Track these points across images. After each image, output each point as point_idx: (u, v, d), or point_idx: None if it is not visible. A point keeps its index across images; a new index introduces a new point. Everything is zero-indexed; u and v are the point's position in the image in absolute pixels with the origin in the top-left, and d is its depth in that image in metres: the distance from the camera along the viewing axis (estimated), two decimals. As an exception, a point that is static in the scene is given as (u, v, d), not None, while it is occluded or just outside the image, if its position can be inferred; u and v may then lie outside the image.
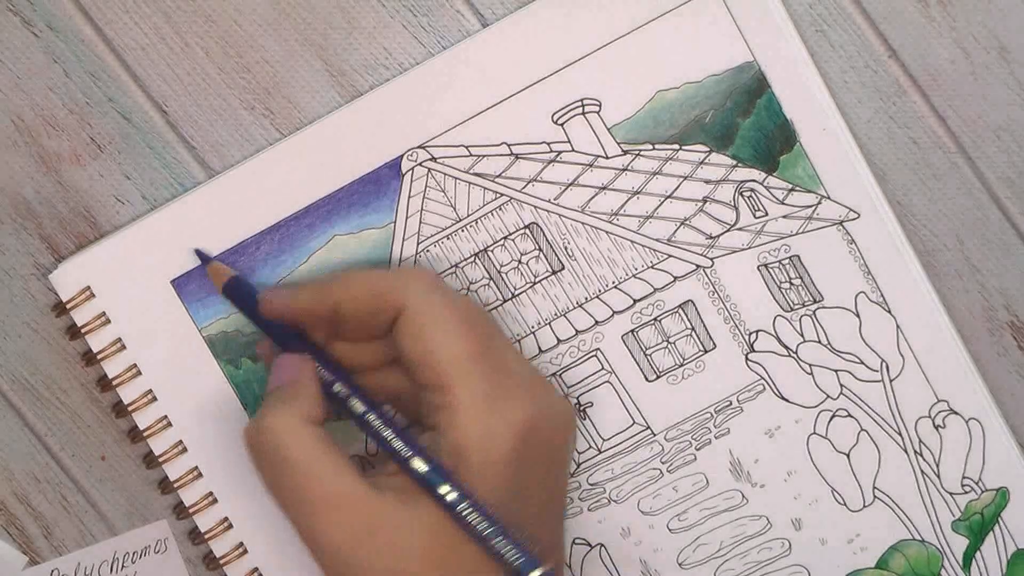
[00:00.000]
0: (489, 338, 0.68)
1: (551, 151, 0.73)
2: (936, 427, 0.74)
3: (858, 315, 0.74)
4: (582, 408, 0.74)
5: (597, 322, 0.74)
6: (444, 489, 0.65)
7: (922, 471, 0.74)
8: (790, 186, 0.73)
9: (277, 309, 0.69)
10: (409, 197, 0.73)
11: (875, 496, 0.74)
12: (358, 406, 0.68)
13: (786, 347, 0.74)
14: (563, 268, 0.73)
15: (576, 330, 0.74)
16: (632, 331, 0.74)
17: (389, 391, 0.70)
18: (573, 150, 0.73)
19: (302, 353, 0.69)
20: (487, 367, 0.66)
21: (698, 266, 0.73)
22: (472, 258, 0.73)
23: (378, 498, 0.65)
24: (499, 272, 0.73)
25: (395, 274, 0.69)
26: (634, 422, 0.74)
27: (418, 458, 0.66)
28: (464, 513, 0.65)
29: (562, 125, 0.72)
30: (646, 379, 0.74)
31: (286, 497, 0.66)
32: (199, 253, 0.72)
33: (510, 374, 0.67)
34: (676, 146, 0.73)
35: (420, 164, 0.72)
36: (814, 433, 0.74)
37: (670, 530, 0.75)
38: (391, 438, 0.67)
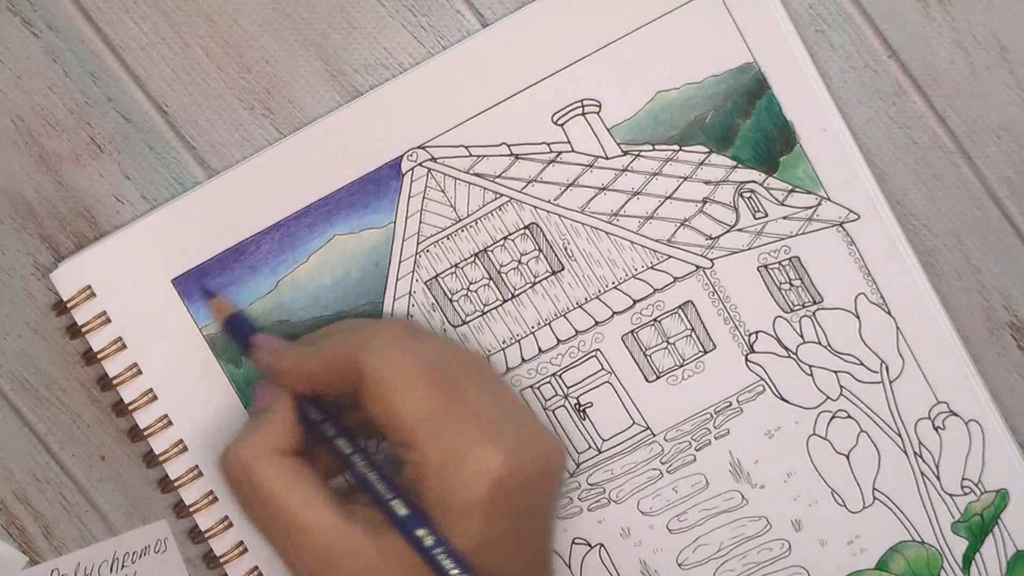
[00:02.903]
0: (454, 389, 0.67)
1: (551, 151, 0.73)
2: (936, 428, 0.74)
3: (858, 316, 0.73)
4: (582, 409, 0.74)
5: (597, 322, 0.74)
6: (420, 532, 0.66)
7: (922, 472, 0.74)
8: (790, 187, 0.73)
9: (262, 363, 0.70)
10: (409, 197, 0.73)
11: (875, 497, 0.74)
12: (342, 446, 0.69)
13: (786, 348, 0.74)
14: (563, 268, 0.73)
15: (576, 330, 0.74)
16: (632, 332, 0.74)
17: (372, 427, 0.69)
18: (573, 151, 0.73)
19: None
20: (451, 420, 0.66)
21: (698, 267, 0.73)
22: (472, 258, 0.73)
23: (347, 528, 0.66)
24: (499, 272, 0.73)
25: (354, 339, 0.68)
26: (634, 422, 0.74)
27: (397, 501, 0.67)
28: (436, 559, 0.65)
29: (562, 125, 0.72)
30: (646, 380, 0.74)
31: (259, 524, 0.68)
32: (203, 288, 0.72)
33: (479, 424, 0.66)
34: (676, 147, 0.73)
35: (420, 164, 0.72)
36: (814, 434, 0.74)
37: (670, 530, 0.75)
38: (373, 481, 0.68)
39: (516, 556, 0.67)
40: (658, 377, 0.74)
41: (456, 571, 0.65)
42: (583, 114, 0.72)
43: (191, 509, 0.74)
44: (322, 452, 0.69)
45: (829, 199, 0.73)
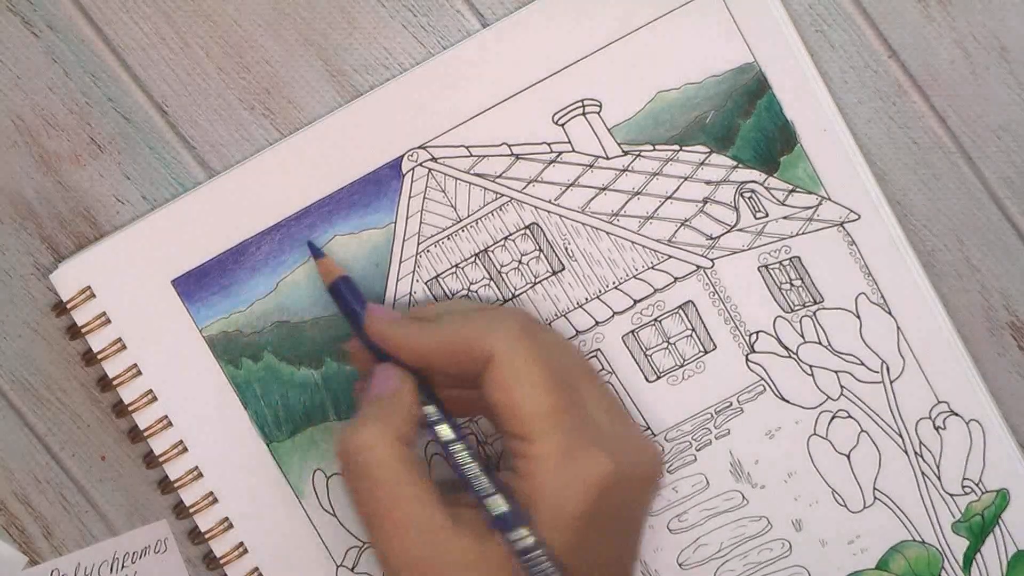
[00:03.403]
0: (575, 390, 0.67)
1: (551, 152, 0.73)
2: (936, 428, 0.74)
3: (858, 316, 0.73)
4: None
5: (597, 322, 0.74)
6: (519, 533, 0.65)
7: (922, 472, 0.74)
8: (790, 187, 0.73)
9: (377, 333, 0.69)
10: (410, 197, 0.73)
11: (875, 497, 0.74)
12: (445, 433, 0.68)
13: (786, 348, 0.74)
14: (563, 268, 0.73)
15: (576, 330, 0.74)
16: (632, 332, 0.74)
17: (477, 408, 0.69)
18: (573, 151, 0.73)
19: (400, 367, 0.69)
20: (569, 421, 0.66)
21: (698, 267, 0.73)
22: (472, 258, 0.73)
23: (452, 531, 0.66)
24: (499, 272, 0.73)
25: (485, 320, 0.68)
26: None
27: (496, 497, 0.66)
28: (531, 561, 0.65)
29: (562, 125, 0.72)
30: (646, 380, 0.74)
31: (365, 511, 0.67)
32: (311, 246, 0.72)
33: (593, 429, 0.67)
34: (676, 147, 0.73)
35: (420, 164, 0.72)
36: (814, 434, 0.74)
37: (670, 530, 0.75)
38: (473, 474, 0.67)
39: (608, 560, 0.67)
40: (658, 377, 0.74)
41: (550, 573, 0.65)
42: (583, 114, 0.72)
43: (191, 510, 0.74)
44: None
45: (829, 199, 0.73)
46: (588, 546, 0.66)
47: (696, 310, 0.74)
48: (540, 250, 0.73)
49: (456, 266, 0.73)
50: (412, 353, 0.68)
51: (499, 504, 0.66)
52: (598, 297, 0.73)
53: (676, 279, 0.73)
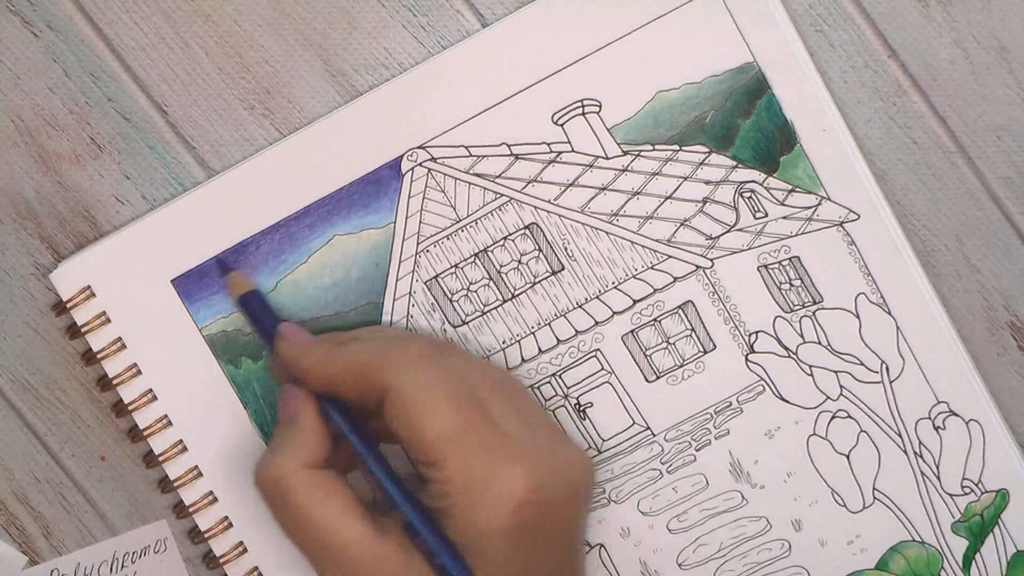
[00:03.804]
0: (482, 408, 0.67)
1: (551, 151, 0.73)
2: (936, 428, 0.74)
3: (858, 316, 0.73)
4: (582, 409, 0.74)
5: (597, 323, 0.74)
6: (434, 547, 0.66)
7: (922, 472, 0.74)
8: (790, 187, 0.73)
9: (285, 356, 0.70)
10: (409, 197, 0.73)
11: (875, 497, 0.74)
12: (359, 455, 0.69)
13: (786, 348, 0.74)
14: (563, 268, 0.73)
15: (576, 330, 0.74)
16: (632, 332, 0.74)
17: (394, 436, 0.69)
18: (573, 150, 0.73)
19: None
20: (478, 440, 0.66)
21: (698, 267, 0.73)
22: (472, 258, 0.73)
23: (377, 542, 0.66)
24: (499, 272, 0.73)
25: (382, 352, 0.68)
26: (634, 423, 0.74)
27: (407, 504, 0.67)
28: (443, 568, 0.66)
29: (562, 125, 0.72)
30: (646, 380, 0.74)
31: (293, 537, 0.68)
32: (219, 262, 0.72)
33: (506, 444, 0.66)
34: (676, 147, 0.73)
35: (420, 164, 0.72)
36: (814, 434, 0.74)
37: (670, 531, 0.75)
38: (384, 483, 0.68)
39: (542, 575, 0.67)
40: (658, 377, 0.74)
41: None
42: (583, 114, 0.72)
43: (191, 509, 0.74)
44: (341, 448, 0.69)
45: (829, 199, 0.73)
46: (520, 562, 0.66)
47: (696, 310, 0.74)
48: (540, 250, 0.73)
49: (456, 266, 0.73)
50: (316, 380, 0.69)
51: (409, 512, 0.67)
52: (598, 297, 0.73)
53: (676, 279, 0.73)
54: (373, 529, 0.66)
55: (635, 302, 0.73)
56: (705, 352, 0.74)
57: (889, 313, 0.73)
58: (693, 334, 0.74)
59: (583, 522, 0.70)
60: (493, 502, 0.65)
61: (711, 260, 0.73)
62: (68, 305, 0.73)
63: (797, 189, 0.73)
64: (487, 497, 0.65)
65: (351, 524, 0.66)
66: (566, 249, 0.73)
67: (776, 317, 0.74)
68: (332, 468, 0.68)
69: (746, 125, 0.73)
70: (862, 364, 0.74)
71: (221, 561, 0.74)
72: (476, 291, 0.73)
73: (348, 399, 0.68)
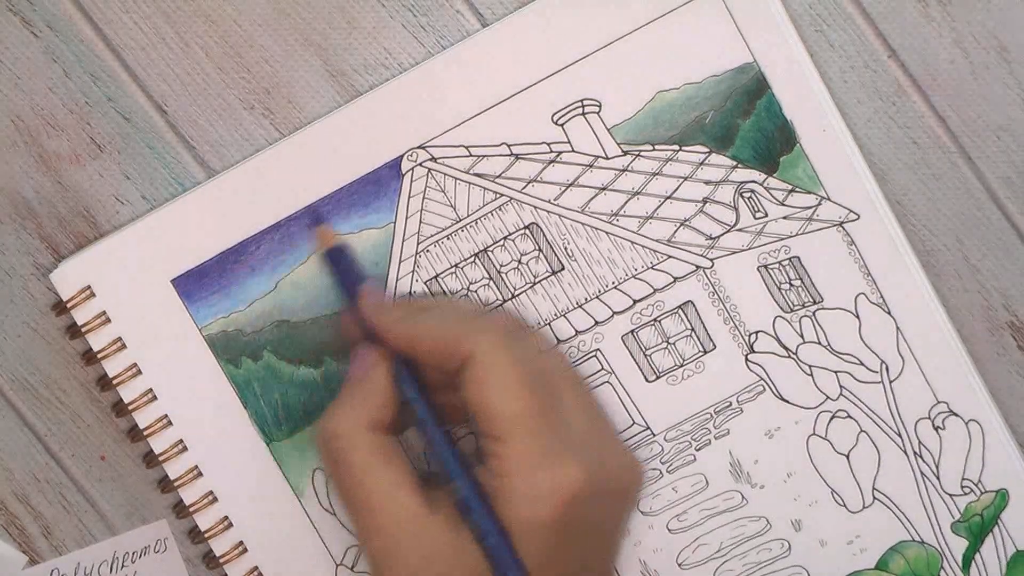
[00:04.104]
0: (553, 397, 0.67)
1: (551, 151, 0.73)
2: (936, 428, 0.74)
3: (858, 316, 0.73)
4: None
5: (597, 322, 0.74)
6: (484, 526, 0.66)
7: (922, 472, 0.74)
8: (790, 187, 0.73)
9: (367, 313, 0.69)
10: (409, 197, 0.73)
11: (875, 497, 0.74)
12: (425, 424, 0.69)
13: (786, 348, 0.74)
14: (563, 268, 0.73)
15: (576, 330, 0.74)
16: (632, 332, 0.74)
17: (462, 415, 0.69)
18: (573, 150, 0.73)
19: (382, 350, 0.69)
20: (543, 427, 0.66)
21: (698, 267, 0.73)
22: (472, 258, 0.73)
23: (426, 515, 0.66)
24: (499, 272, 0.73)
25: (470, 322, 0.68)
26: (634, 422, 0.74)
27: (464, 480, 0.67)
28: (493, 548, 0.66)
29: (562, 125, 0.72)
30: (646, 380, 0.74)
31: (344, 496, 0.68)
32: (311, 213, 0.72)
33: (568, 436, 0.67)
34: (676, 147, 0.73)
35: (420, 164, 0.72)
36: (814, 434, 0.74)
37: (669, 531, 0.75)
38: (445, 457, 0.68)
39: (577, 570, 0.67)
40: (658, 377, 0.74)
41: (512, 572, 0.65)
42: (583, 114, 0.72)
43: (191, 509, 0.74)
44: (403, 413, 0.69)
45: (829, 199, 0.73)
46: (558, 554, 0.66)
47: (696, 310, 0.74)
48: (540, 250, 0.73)
49: (456, 266, 0.73)
50: (397, 339, 0.68)
51: (465, 486, 0.67)
52: (598, 297, 0.73)
53: (676, 279, 0.73)
54: (424, 502, 0.66)
55: (635, 302, 0.73)
56: (705, 352, 0.74)
57: (889, 313, 0.73)
58: (693, 334, 0.74)
59: (625, 525, 0.70)
60: (547, 491, 0.65)
61: (711, 260, 0.73)
62: (68, 305, 0.73)
63: (797, 189, 0.73)
64: (543, 485, 0.65)
65: (404, 494, 0.66)
66: (566, 249, 0.73)
67: (776, 317, 0.74)
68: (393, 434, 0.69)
69: (746, 125, 0.73)
70: (862, 364, 0.74)
71: (221, 561, 0.74)
72: (476, 291, 0.73)
73: (426, 363, 0.68)
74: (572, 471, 0.65)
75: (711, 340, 0.74)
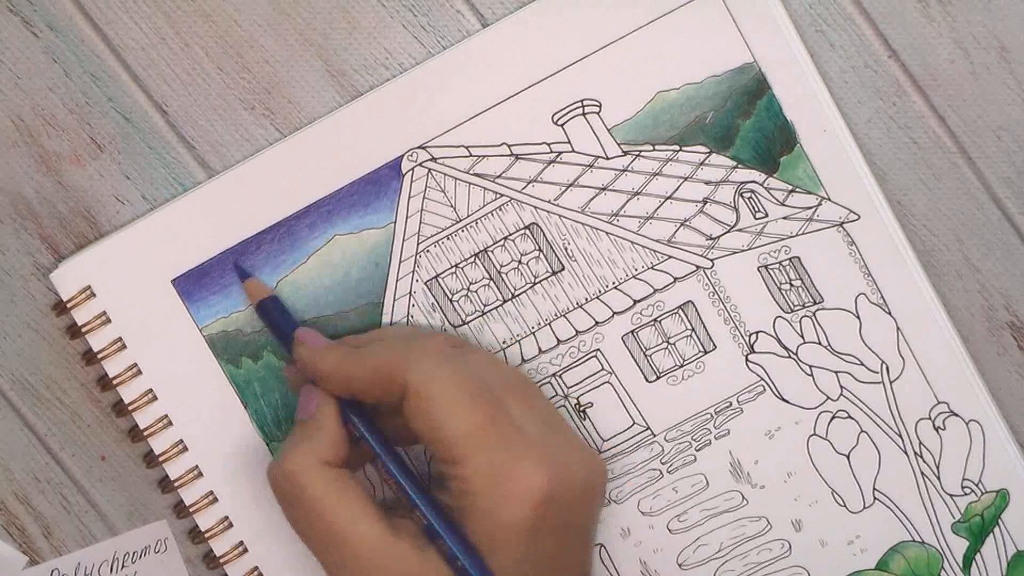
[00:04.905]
0: (502, 406, 0.67)
1: (551, 152, 0.73)
2: (936, 429, 0.74)
3: (858, 316, 0.73)
4: (582, 409, 0.74)
5: (597, 323, 0.74)
6: (455, 550, 0.66)
7: (922, 473, 0.74)
8: (790, 187, 0.73)
9: (303, 361, 0.70)
10: (409, 197, 0.73)
11: (875, 497, 0.74)
12: (379, 457, 0.69)
13: (786, 348, 0.74)
14: (563, 269, 0.73)
15: (576, 331, 0.74)
16: (632, 332, 0.74)
17: (412, 437, 0.69)
18: (573, 151, 0.73)
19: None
20: (497, 437, 0.66)
21: (698, 267, 0.73)
22: (472, 258, 0.73)
23: (391, 542, 0.66)
24: (499, 272, 0.73)
25: (401, 351, 0.68)
26: (634, 423, 0.74)
27: (427, 505, 0.67)
28: (462, 570, 0.66)
29: (562, 126, 0.72)
30: (646, 380, 0.74)
31: (305, 536, 0.68)
32: (237, 267, 0.72)
33: (524, 443, 0.67)
34: (676, 147, 0.73)
35: (420, 164, 0.72)
36: (814, 434, 0.74)
37: (670, 531, 0.75)
38: (403, 484, 0.68)
39: (557, 573, 0.67)
40: (658, 377, 0.74)
41: None
42: (583, 114, 0.72)
43: (191, 509, 0.74)
44: (355, 451, 0.70)
45: (829, 199, 0.73)
46: (533, 561, 0.66)
47: (696, 310, 0.74)
48: (540, 250, 0.73)
49: (456, 266, 0.73)
50: (335, 382, 0.69)
51: (429, 512, 0.67)
52: (598, 297, 0.73)
53: (676, 279, 0.73)
54: (388, 529, 0.66)
55: (635, 302, 0.73)
56: (705, 352, 0.74)
57: (889, 313, 0.73)
58: (693, 334, 0.74)
59: (596, 520, 0.70)
60: (514, 498, 0.65)
61: (711, 260, 0.73)
62: (68, 305, 0.73)
63: (797, 189, 0.73)
64: (508, 493, 0.65)
65: (366, 523, 0.66)
66: (566, 249, 0.73)
67: (776, 317, 0.74)
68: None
69: (746, 125, 0.73)
70: (862, 364, 0.74)
71: (221, 561, 0.74)
72: (476, 291, 0.73)
73: (368, 400, 0.69)
74: (535, 475, 0.66)
75: (711, 340, 0.74)
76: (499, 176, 0.73)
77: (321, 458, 0.68)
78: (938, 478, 0.74)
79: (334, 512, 0.67)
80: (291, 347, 0.71)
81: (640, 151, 0.73)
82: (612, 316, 0.73)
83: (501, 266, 0.73)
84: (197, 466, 0.74)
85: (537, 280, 0.73)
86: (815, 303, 0.74)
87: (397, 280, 0.73)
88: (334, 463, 0.68)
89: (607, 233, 0.73)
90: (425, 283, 0.73)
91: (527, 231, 0.73)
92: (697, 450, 0.74)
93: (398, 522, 0.67)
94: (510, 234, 0.73)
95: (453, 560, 0.66)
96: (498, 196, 0.73)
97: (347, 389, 0.69)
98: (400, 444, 0.70)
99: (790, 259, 0.73)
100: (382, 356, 0.68)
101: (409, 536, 0.67)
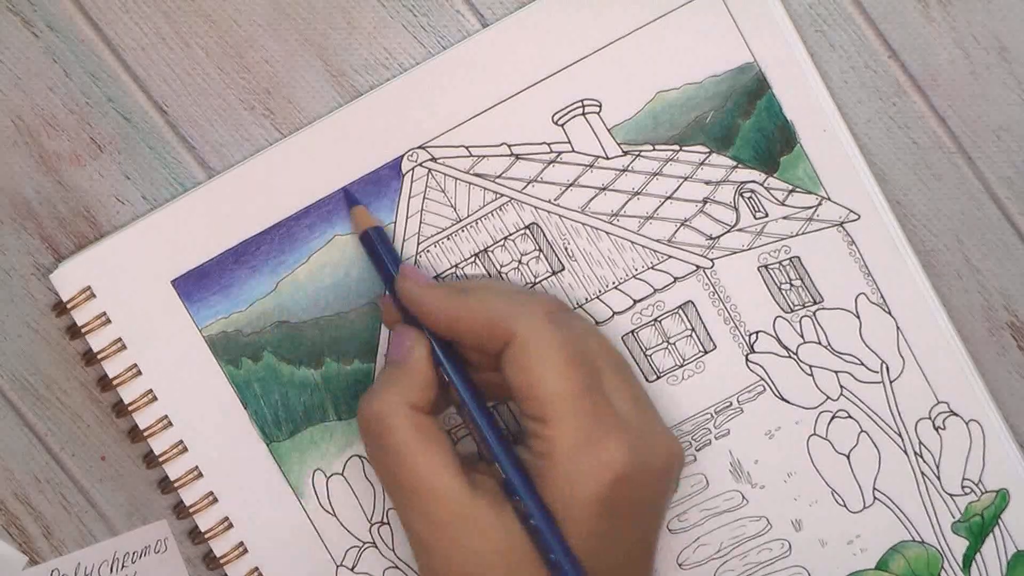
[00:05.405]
0: (597, 377, 0.67)
1: (551, 152, 0.73)
2: (936, 428, 0.74)
3: (858, 316, 0.73)
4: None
5: (597, 323, 0.74)
6: (531, 510, 0.66)
7: (922, 472, 0.74)
8: (790, 187, 0.73)
9: (406, 294, 0.69)
10: (409, 197, 0.73)
11: (875, 497, 0.74)
12: (466, 405, 0.68)
13: (786, 348, 0.74)
14: (563, 269, 0.73)
15: (576, 331, 0.74)
16: (632, 332, 0.74)
17: (504, 392, 0.69)
18: (573, 151, 0.73)
19: (421, 330, 0.69)
20: (587, 407, 0.66)
21: (698, 267, 0.73)
22: (472, 258, 0.73)
23: (469, 497, 0.66)
24: (499, 272, 0.73)
25: (512, 302, 0.68)
26: (634, 423, 0.74)
27: (507, 460, 0.67)
28: (536, 529, 0.66)
29: (562, 126, 0.72)
30: (646, 380, 0.74)
31: (385, 478, 0.68)
32: (347, 193, 0.72)
33: (612, 417, 0.67)
34: (676, 147, 0.73)
35: (420, 164, 0.72)
36: (814, 434, 0.74)
37: (670, 531, 0.75)
38: (488, 437, 0.68)
39: (623, 550, 0.67)
40: (658, 377, 0.74)
41: (556, 551, 0.65)
42: (583, 114, 0.72)
43: (191, 510, 0.74)
44: (444, 392, 0.69)
45: (829, 199, 0.73)
46: (602, 534, 0.66)
47: (696, 310, 0.74)
48: (540, 250, 0.73)
49: (456, 266, 0.73)
50: (438, 319, 0.68)
51: (510, 467, 0.66)
52: (598, 297, 0.73)
53: (676, 279, 0.73)
54: (467, 483, 0.66)
55: (635, 302, 0.73)
56: (705, 352, 0.74)
57: (889, 313, 0.73)
58: (693, 334, 0.74)
59: (667, 505, 0.70)
60: (593, 471, 0.65)
61: (711, 260, 0.73)
62: (68, 305, 0.73)
63: (797, 189, 0.73)
64: (588, 465, 0.65)
65: (446, 475, 0.66)
66: (566, 249, 0.73)
67: (776, 317, 0.74)
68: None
69: (746, 125, 0.73)
70: (862, 364, 0.74)
71: (221, 561, 0.74)
72: (476, 291, 0.73)
73: (467, 343, 0.68)
74: (617, 451, 0.66)
75: (711, 340, 0.74)
76: (499, 176, 0.73)
77: (410, 401, 0.67)
78: (938, 478, 0.74)
79: (417, 461, 0.66)
80: (392, 282, 0.70)
81: (640, 151, 0.73)
82: (612, 316, 0.73)
83: (501, 266, 0.73)
84: (197, 466, 0.74)
85: (537, 280, 0.73)
86: (815, 303, 0.74)
87: (397, 280, 0.73)
88: (422, 407, 0.67)
89: (607, 233, 0.73)
90: (425, 283, 0.73)
91: (527, 231, 0.73)
92: (697, 450, 0.74)
93: (478, 477, 0.67)
94: (510, 234, 0.73)
95: (527, 519, 0.66)
96: (498, 196, 0.73)
97: (450, 330, 0.68)
98: (486, 399, 0.70)
99: (790, 259, 0.73)
100: (492, 302, 0.68)
101: (487, 493, 0.66)
